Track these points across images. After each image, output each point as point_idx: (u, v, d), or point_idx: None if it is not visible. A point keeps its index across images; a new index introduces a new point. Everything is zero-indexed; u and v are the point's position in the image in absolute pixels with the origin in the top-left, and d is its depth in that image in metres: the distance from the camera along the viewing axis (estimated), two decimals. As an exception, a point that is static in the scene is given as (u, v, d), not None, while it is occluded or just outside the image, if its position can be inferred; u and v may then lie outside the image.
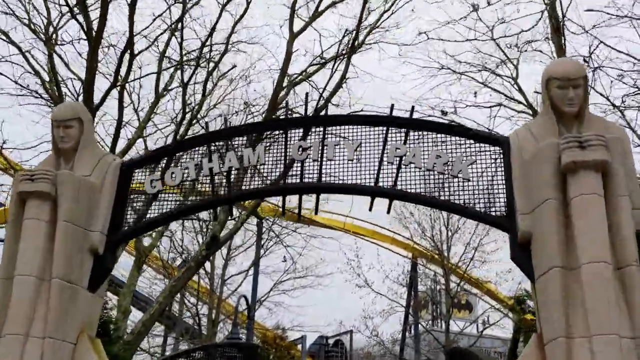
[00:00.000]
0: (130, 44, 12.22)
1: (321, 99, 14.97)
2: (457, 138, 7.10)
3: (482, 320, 40.12)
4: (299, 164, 7.36)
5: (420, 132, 7.21)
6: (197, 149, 7.77)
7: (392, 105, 7.41)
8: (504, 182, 6.75)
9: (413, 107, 7.36)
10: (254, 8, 17.74)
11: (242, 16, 14.76)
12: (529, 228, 6.23)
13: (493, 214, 6.68)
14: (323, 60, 15.39)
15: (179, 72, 15.45)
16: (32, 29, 14.02)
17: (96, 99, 12.50)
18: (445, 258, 30.18)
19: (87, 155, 7.68)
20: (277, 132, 7.62)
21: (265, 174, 7.41)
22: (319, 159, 7.28)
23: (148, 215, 7.60)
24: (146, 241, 16.20)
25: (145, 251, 15.43)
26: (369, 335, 29.42)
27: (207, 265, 25.87)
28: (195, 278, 25.17)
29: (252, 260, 27.35)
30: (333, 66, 15.27)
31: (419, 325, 44.01)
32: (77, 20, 12.51)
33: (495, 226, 6.95)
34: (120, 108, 13.60)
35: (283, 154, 7.45)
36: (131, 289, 14.40)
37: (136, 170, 7.87)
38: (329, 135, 7.42)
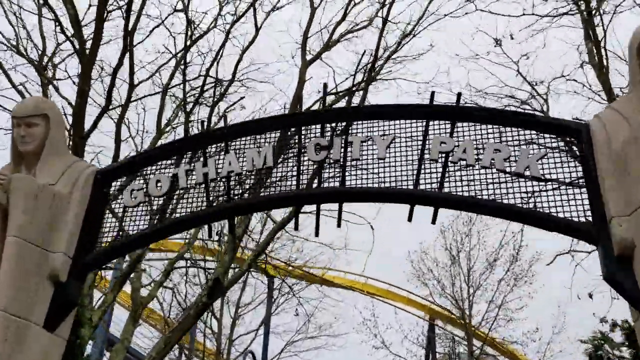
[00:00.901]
0: (123, 65, 10.86)
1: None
2: (520, 129, 5.44)
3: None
4: (316, 167, 5.71)
5: (471, 124, 5.55)
6: (188, 154, 6.15)
7: (433, 94, 5.80)
8: (584, 179, 5.05)
9: (460, 93, 5.72)
10: (263, 47, 16.58)
11: (251, 43, 13.47)
12: (630, 234, 4.49)
13: (576, 220, 4.92)
14: (338, 94, 13.96)
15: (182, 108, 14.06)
16: (27, 59, 12.77)
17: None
18: (467, 317, 27.86)
19: (53, 160, 6.07)
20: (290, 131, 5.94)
21: (274, 180, 5.74)
22: (342, 159, 5.62)
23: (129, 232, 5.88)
24: (144, 292, 14.38)
25: (142, 302, 13.58)
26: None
27: (214, 325, 23.88)
28: (200, 339, 23.09)
29: (261, 318, 25.26)
30: (348, 99, 13.82)
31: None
32: (71, 42, 11.22)
33: (578, 236, 5.17)
34: (118, 141, 12.12)
35: (297, 156, 5.81)
36: (125, 344, 12.46)
37: (116, 181, 6.23)
38: (355, 132, 5.79)
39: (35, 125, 6.01)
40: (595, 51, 11.94)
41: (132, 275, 14.25)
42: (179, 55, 13.56)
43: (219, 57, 12.96)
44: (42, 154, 6.03)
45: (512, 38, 16.32)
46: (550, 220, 4.99)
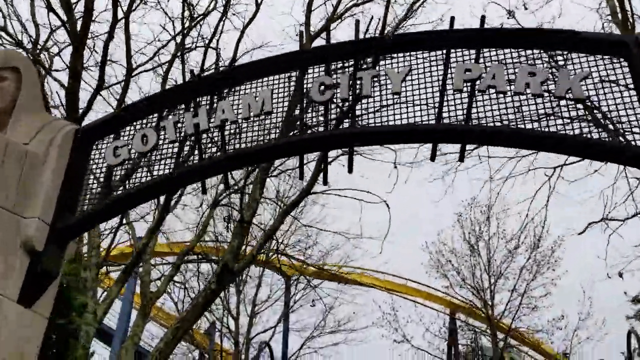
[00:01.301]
0: (113, 39, 10.11)
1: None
2: (556, 49, 4.62)
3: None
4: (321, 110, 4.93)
5: (499, 50, 4.74)
6: (180, 105, 5.38)
7: (453, 19, 5.00)
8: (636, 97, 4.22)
9: (483, 16, 4.92)
10: (265, 27, 15.79)
11: (251, 19, 12.66)
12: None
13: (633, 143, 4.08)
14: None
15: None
16: (21, 46, 12.10)
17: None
18: (489, 307, 26.83)
19: (27, 119, 5.35)
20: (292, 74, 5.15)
21: (274, 127, 4.96)
22: (351, 95, 4.83)
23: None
24: (153, 286, 13.66)
25: (152, 297, 12.86)
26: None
27: (232, 324, 23.13)
28: (217, 339, 22.35)
29: (279, 315, 24.47)
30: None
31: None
32: (60, 19, 10.50)
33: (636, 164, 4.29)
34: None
35: (299, 97, 5.02)
36: (135, 340, 11.72)
37: (100, 141, 5.47)
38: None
39: (4, 80, 5.30)
40: (619, 7, 11.08)
41: (140, 270, 13.57)
42: (178, 39, 12.83)
43: (218, 33, 12.19)
44: (13, 112, 5.32)
45: (525, 8, 15.48)
46: (606, 148, 4.16)
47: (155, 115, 5.38)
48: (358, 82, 4.85)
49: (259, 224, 16.59)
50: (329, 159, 11.86)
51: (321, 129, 4.86)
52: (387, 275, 40.06)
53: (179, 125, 5.18)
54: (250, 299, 24.24)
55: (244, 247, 11.43)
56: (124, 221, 12.33)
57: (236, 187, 13.09)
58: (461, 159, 4.77)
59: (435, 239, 28.49)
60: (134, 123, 5.40)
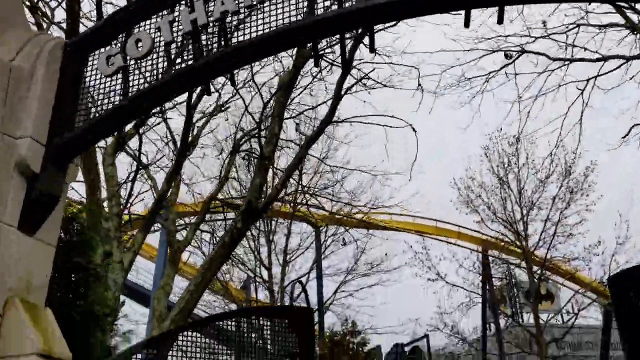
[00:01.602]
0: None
1: None
2: None
3: (566, 310, 35.79)
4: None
5: None
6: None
7: None
8: None
9: None
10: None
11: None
12: None
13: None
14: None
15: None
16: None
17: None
18: (522, 239, 26.25)
19: (9, 34, 4.84)
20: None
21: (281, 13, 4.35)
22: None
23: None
24: (180, 236, 13.39)
25: (180, 246, 12.58)
26: (448, 332, 25.57)
27: (265, 274, 23.02)
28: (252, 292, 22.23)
29: (311, 263, 24.28)
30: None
31: (499, 322, 40.01)
32: None
33: None
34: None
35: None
36: (167, 290, 11.48)
37: (94, 53, 4.93)
38: None
39: (-20, -8, 4.78)
40: None
41: (167, 220, 13.27)
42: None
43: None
44: (-6, 28, 4.81)
45: None
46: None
47: (149, 18, 4.81)
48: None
49: (282, 169, 16.18)
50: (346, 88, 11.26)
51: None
52: (416, 218, 39.68)
53: (175, 24, 4.62)
54: (281, 248, 24.06)
55: (266, 185, 11.05)
56: (139, 167, 11.97)
57: (254, 130, 12.59)
58: (466, 24, 4.09)
59: (463, 174, 27.75)
60: (126, 29, 4.84)
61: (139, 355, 5.55)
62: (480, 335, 34.09)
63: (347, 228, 26.33)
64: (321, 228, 34.17)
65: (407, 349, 50.05)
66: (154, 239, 30.67)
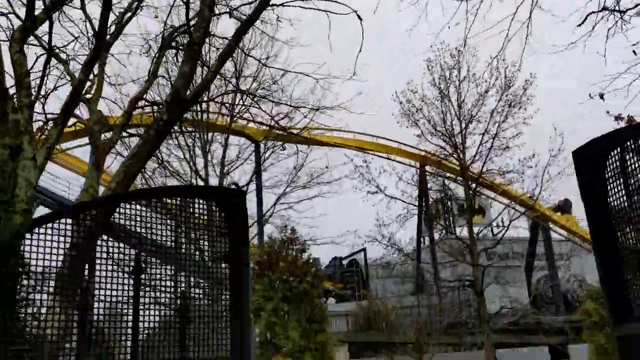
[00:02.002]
0: None
1: None
2: None
3: (496, 223, 36.90)
4: None
5: None
6: None
7: None
8: None
9: None
10: None
11: None
12: None
13: None
14: None
15: None
16: None
17: None
18: (460, 152, 26.29)
19: None
20: None
21: None
22: None
23: None
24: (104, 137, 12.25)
25: (104, 148, 11.48)
26: (386, 244, 25.78)
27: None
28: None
29: (249, 175, 23.55)
30: None
31: (434, 234, 41.01)
32: None
33: None
34: None
35: None
36: (90, 192, 10.44)
37: None
38: None
39: None
40: None
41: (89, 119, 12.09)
42: None
43: None
44: None
45: None
46: None
47: None
48: None
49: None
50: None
51: None
52: (356, 134, 39.36)
53: None
54: (218, 160, 23.11)
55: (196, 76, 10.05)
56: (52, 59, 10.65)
57: (184, 26, 11.34)
58: None
59: (405, 88, 27.22)
60: None
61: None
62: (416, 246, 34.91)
63: (283, 143, 25.55)
64: (260, 142, 33.31)
65: (345, 262, 51.21)
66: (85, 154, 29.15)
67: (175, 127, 21.20)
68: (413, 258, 27.39)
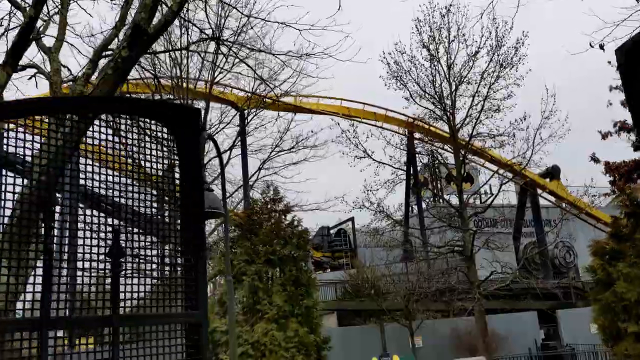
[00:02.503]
0: None
1: None
2: None
3: (484, 191, 36.16)
4: None
5: None
6: None
7: None
8: None
9: None
10: None
11: None
12: None
13: None
14: None
15: None
16: None
17: None
18: (450, 115, 25.33)
19: None
20: None
21: None
22: None
23: None
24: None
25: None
26: (374, 210, 24.87)
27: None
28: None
29: (232, 139, 22.41)
30: None
31: (421, 202, 40.22)
32: None
33: None
34: None
35: None
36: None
37: None
38: None
39: None
40: None
41: (49, 70, 10.94)
42: None
43: None
44: None
45: None
46: None
47: None
48: None
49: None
50: None
51: None
52: (344, 101, 38.18)
53: None
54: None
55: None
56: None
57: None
58: None
59: (392, 49, 26.07)
60: None
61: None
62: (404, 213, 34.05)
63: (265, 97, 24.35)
64: (244, 109, 32.26)
65: (332, 231, 50.40)
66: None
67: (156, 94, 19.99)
68: (402, 224, 26.48)
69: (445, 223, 25.97)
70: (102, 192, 3.25)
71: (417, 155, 28.44)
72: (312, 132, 24.55)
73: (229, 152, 22.03)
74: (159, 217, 3.51)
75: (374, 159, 25.26)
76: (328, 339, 12.18)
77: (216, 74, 21.49)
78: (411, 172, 36.45)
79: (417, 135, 30.76)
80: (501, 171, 29.40)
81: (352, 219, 43.72)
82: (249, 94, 22.46)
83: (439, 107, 25.33)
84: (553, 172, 41.10)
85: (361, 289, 32.10)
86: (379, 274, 32.25)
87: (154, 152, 3.53)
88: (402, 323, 25.05)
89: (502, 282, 26.24)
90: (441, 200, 31.50)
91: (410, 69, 25.15)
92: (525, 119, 24.69)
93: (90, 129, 3.26)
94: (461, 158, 25.53)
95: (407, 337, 25.01)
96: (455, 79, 25.10)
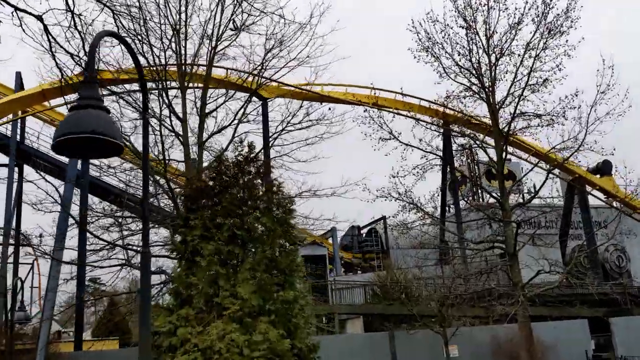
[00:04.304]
0: None
1: None
2: None
3: (527, 189, 31.97)
4: None
5: None
6: None
7: None
8: None
9: None
10: None
11: None
12: None
13: None
14: None
15: None
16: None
17: None
18: (489, 91, 21.44)
19: None
20: None
21: None
22: None
23: None
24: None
25: None
26: (401, 199, 20.99)
27: (178, 126, 17.65)
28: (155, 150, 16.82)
29: (234, 114, 19.03)
30: None
31: (459, 202, 36.23)
32: None
33: None
34: None
35: None
36: None
37: None
38: None
39: None
40: None
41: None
42: None
43: None
44: None
45: None
46: None
47: None
48: None
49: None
50: None
51: None
52: (375, 90, 34.61)
53: None
54: (198, 97, 18.65)
55: None
56: None
57: None
58: None
59: (423, 18, 22.31)
60: None
61: None
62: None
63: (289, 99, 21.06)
64: (268, 100, 29.22)
65: (363, 231, 46.60)
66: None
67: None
68: (432, 216, 22.50)
69: (484, 216, 22.01)
70: None
71: (452, 138, 24.45)
72: (329, 109, 20.89)
73: (234, 127, 18.67)
74: None
75: (400, 141, 21.54)
76: (315, 346, 8.61)
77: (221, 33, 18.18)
78: (447, 173, 32.67)
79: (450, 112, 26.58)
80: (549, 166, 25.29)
81: (383, 218, 40.09)
82: (260, 67, 19.15)
83: (477, 83, 21.45)
84: (604, 168, 36.49)
85: (389, 292, 28.58)
86: (410, 276, 28.66)
87: None
88: (436, 330, 21.24)
89: (549, 285, 22.14)
90: (479, 191, 27.47)
91: (444, 40, 21.38)
92: (577, 96, 20.60)
93: None
94: (502, 143, 21.54)
95: (441, 346, 21.23)
96: (495, 50, 21.23)
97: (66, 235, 19.44)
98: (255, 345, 7.57)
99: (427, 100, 33.08)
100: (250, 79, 19.57)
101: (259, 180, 9.31)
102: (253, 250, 8.88)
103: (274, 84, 30.20)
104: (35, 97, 27.62)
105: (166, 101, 17.04)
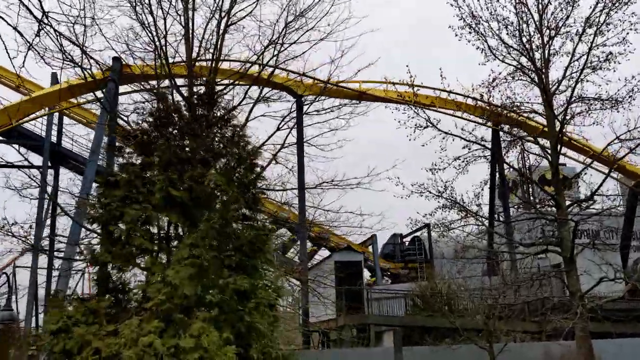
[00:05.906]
0: None
1: None
2: None
3: (584, 195, 28.10)
4: None
5: None
6: None
7: None
8: None
9: None
10: None
11: None
12: None
13: None
14: None
15: None
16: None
17: None
18: (542, 73, 18.18)
19: None
20: None
21: None
22: None
23: None
24: None
25: None
26: (442, 197, 17.88)
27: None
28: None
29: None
30: None
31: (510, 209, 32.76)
32: None
33: None
34: None
35: None
36: None
37: None
38: None
39: None
40: None
41: None
42: None
43: None
44: None
45: None
46: None
47: None
48: None
49: None
50: None
51: None
52: (416, 87, 31.61)
53: None
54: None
55: None
56: None
57: None
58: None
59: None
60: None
61: None
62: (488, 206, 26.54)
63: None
64: (303, 96, 27.15)
65: (406, 239, 43.23)
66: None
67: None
68: (477, 216, 19.15)
69: (534, 214, 18.66)
70: None
71: (501, 129, 21.13)
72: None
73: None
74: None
75: (439, 129, 18.50)
76: (289, 356, 5.86)
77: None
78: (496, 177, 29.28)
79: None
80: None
81: (427, 225, 36.71)
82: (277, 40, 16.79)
83: (528, 63, 18.22)
84: (671, 170, 32.08)
85: (430, 303, 25.37)
86: (454, 287, 25.42)
87: None
88: (481, 345, 17.98)
89: (613, 296, 18.49)
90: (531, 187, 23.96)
91: (491, 16, 18.28)
92: (647, 75, 17.10)
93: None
94: (557, 129, 18.16)
95: (488, 363, 17.93)
96: (550, 26, 17.99)
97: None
98: (183, 355, 4.89)
99: (473, 98, 29.76)
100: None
101: (223, 127, 6.63)
102: (197, 218, 6.23)
103: (309, 80, 27.83)
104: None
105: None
